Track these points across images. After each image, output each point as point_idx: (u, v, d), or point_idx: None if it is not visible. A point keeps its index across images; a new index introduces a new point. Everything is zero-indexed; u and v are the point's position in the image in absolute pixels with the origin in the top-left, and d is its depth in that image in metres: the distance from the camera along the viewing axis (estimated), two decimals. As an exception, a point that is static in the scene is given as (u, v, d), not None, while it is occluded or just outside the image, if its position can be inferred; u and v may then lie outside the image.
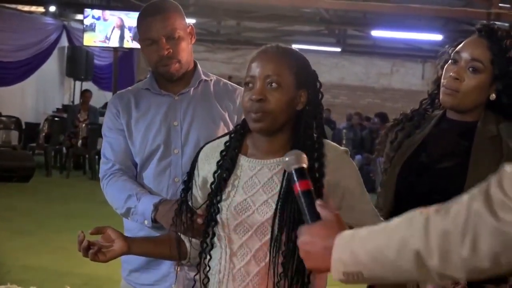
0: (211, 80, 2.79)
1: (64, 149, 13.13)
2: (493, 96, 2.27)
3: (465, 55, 2.25)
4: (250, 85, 2.03)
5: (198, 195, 2.19)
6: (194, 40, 2.73)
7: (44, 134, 13.12)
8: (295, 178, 1.65)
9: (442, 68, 2.34)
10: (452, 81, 2.24)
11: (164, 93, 2.73)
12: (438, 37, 15.09)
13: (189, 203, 2.17)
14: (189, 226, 2.14)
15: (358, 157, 13.59)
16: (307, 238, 1.55)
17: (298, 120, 2.06)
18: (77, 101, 15.07)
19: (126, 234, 2.42)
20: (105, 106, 14.86)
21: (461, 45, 2.30)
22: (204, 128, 2.67)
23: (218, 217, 2.07)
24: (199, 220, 2.13)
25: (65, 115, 14.07)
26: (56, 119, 13.81)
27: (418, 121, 2.41)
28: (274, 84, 1.99)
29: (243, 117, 2.62)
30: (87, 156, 12.83)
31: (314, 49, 19.35)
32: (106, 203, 2.72)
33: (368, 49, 19.63)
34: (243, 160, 2.10)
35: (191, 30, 2.72)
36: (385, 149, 2.45)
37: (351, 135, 14.89)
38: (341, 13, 16.14)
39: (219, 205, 2.07)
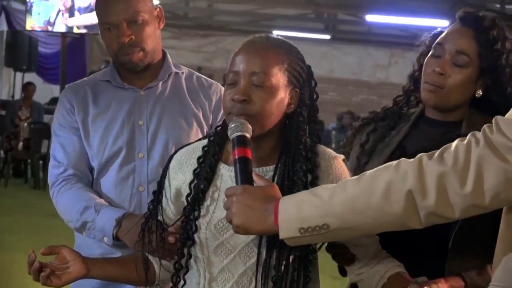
0: (182, 73, 2.79)
1: (1, 152, 13.01)
2: (479, 92, 2.32)
3: (449, 47, 2.29)
4: (233, 82, 2.02)
5: (170, 209, 2.18)
6: (163, 25, 2.72)
7: (-22, 136, 12.97)
8: (234, 145, 1.89)
9: (418, 61, 2.40)
10: (435, 77, 2.28)
11: (128, 86, 2.71)
12: (444, 23, 15.06)
13: (159, 218, 2.16)
14: (158, 245, 2.13)
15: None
16: (246, 197, 1.80)
17: (288, 123, 2.07)
18: (18, 95, 14.97)
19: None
20: (51, 102, 14.85)
21: (442, 35, 2.34)
22: (175, 129, 2.66)
23: (195, 236, 2.06)
24: (171, 239, 2.12)
25: (3, 113, 13.94)
26: (-7, 117, 13.66)
27: (393, 121, 2.45)
28: (260, 83, 1.99)
29: (220, 117, 2.65)
30: (29, 161, 12.74)
31: (299, 36, 19.27)
32: (53, 216, 2.71)
33: (362, 36, 19.68)
34: (223, 169, 2.10)
35: (159, 12, 2.71)
36: (355, 152, 2.47)
37: (342, 137, 14.83)
38: (330, -6, 16.16)
39: (196, 222, 2.06)
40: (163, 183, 2.18)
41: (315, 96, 2.13)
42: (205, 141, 2.16)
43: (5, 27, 16.06)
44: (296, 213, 1.77)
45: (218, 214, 2.05)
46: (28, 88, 13.55)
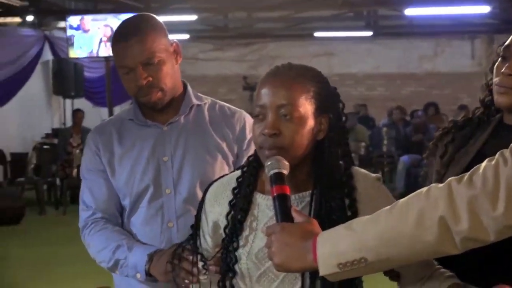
0: (205, 104, 2.78)
1: (57, 181, 13.05)
2: None
3: None
4: (261, 116, 2.00)
5: (207, 243, 2.18)
6: (181, 59, 2.70)
7: (33, 165, 13.00)
8: (272, 183, 1.88)
9: (491, 71, 2.33)
10: (505, 78, 2.22)
11: (151, 123, 2.71)
12: (485, 8, 14.83)
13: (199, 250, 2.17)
14: (193, 273, 2.17)
15: (404, 158, 13.43)
16: (285, 235, 1.79)
17: (320, 149, 2.05)
18: (69, 122, 15.02)
19: None
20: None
21: (510, 39, 2.26)
22: (199, 163, 2.65)
23: (236, 267, 2.05)
24: (212, 268, 2.13)
25: (55, 141, 13.99)
26: (46, 146, 13.75)
27: (471, 130, 2.39)
28: (289, 115, 1.97)
29: (245, 145, 2.66)
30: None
31: (341, 36, 19.23)
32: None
33: (404, 29, 19.42)
34: (260, 198, 2.09)
35: (176, 47, 2.69)
36: (436, 164, 2.42)
37: (393, 133, 14.66)
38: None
39: (236, 253, 2.05)
40: (200, 217, 2.18)
41: (344, 119, 2.09)
42: (238, 172, 2.15)
43: (50, 57, 16.14)
44: (333, 248, 1.75)
45: (257, 243, 2.04)
46: (76, 115, 13.64)
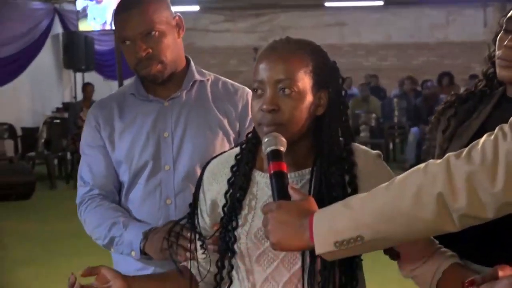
0: (207, 80, 2.75)
1: (68, 155, 13.01)
2: None
3: None
4: (259, 91, 1.97)
5: (205, 222, 2.15)
6: (183, 33, 2.68)
7: (43, 140, 12.96)
8: (269, 160, 1.85)
9: (494, 42, 2.30)
10: (508, 51, 2.19)
11: (152, 98, 2.69)
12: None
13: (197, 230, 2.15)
14: (191, 250, 2.16)
15: (414, 130, 13.38)
16: (281, 214, 1.75)
17: (319, 125, 2.01)
18: (80, 96, 15.02)
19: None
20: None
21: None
22: (200, 139, 2.63)
23: (235, 246, 2.03)
24: (211, 247, 2.12)
25: (66, 115, 13.94)
26: (56, 121, 13.69)
27: (474, 104, 2.37)
28: (287, 90, 1.93)
29: (248, 123, 2.64)
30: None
31: (352, 6, 19.11)
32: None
33: (416, -2, 19.27)
34: (259, 176, 2.06)
35: (178, 20, 2.66)
36: (439, 138, 2.40)
37: (404, 104, 14.57)
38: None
39: (235, 232, 2.03)
40: (198, 196, 2.16)
41: (344, 93, 2.05)
42: (237, 150, 2.13)
43: (60, 30, 16.09)
44: (329, 226, 1.71)
45: (257, 222, 2.00)
46: (86, 89, 13.61)
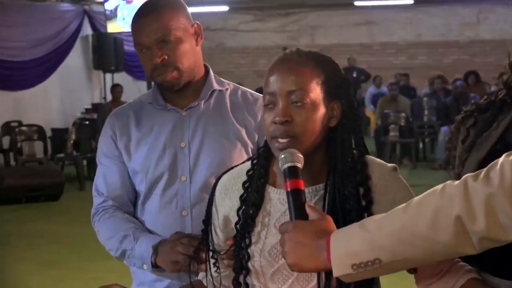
0: (226, 89, 2.69)
1: (97, 156, 12.97)
2: None
3: None
4: (271, 105, 1.93)
5: (219, 237, 2.12)
6: (202, 41, 2.63)
7: (72, 141, 12.96)
8: (286, 177, 1.79)
9: None
10: None
11: (170, 107, 2.64)
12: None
13: (210, 245, 2.12)
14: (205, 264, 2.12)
15: (444, 129, 13.22)
16: (298, 234, 1.70)
17: (333, 137, 1.98)
18: (109, 97, 15.03)
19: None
20: (140, 100, 14.86)
21: None
22: (217, 150, 2.58)
23: (249, 264, 2.00)
24: (226, 262, 2.09)
25: (95, 116, 13.94)
26: (86, 122, 13.70)
27: (493, 114, 2.25)
28: (299, 101, 1.89)
29: None
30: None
31: (381, 5, 18.99)
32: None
33: (446, -4, 19.12)
34: (272, 192, 2.02)
35: (197, 28, 2.61)
36: (458, 149, 2.30)
37: (434, 103, 14.42)
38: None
39: (249, 250, 1.99)
40: (211, 211, 2.12)
41: (356, 105, 2.02)
42: (248, 164, 2.08)
43: (89, 31, 16.17)
44: (346, 248, 1.66)
45: (270, 240, 1.97)
46: (115, 90, 13.62)
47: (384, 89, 16.34)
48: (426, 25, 19.90)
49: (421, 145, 15.02)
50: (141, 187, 2.62)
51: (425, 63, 19.78)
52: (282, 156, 1.82)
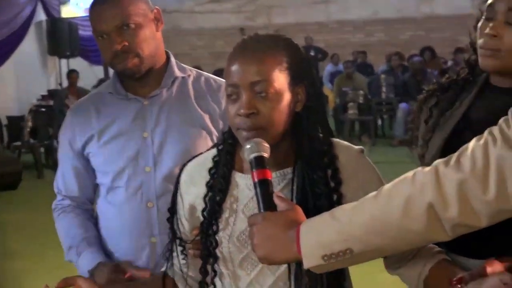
0: (189, 76, 2.65)
1: (55, 143, 12.81)
2: None
3: (500, 7, 2.09)
4: (234, 96, 1.87)
5: (184, 227, 2.08)
6: (162, 26, 2.57)
7: (29, 128, 12.77)
8: (252, 167, 1.77)
9: (475, 29, 2.21)
10: (489, 40, 2.11)
11: (131, 96, 2.59)
12: None
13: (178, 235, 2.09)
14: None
15: (403, 105, 13.34)
16: (267, 226, 1.68)
17: (298, 121, 1.94)
18: (65, 83, 14.88)
19: None
20: (97, 85, 14.67)
21: None
22: (182, 139, 2.53)
23: (217, 251, 1.97)
24: (191, 252, 2.06)
25: (52, 103, 13.77)
26: (42, 109, 13.51)
27: (455, 93, 2.29)
28: (264, 92, 1.84)
29: None
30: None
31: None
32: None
33: (401, -28, 19.19)
34: (239, 178, 1.99)
35: (157, 14, 2.56)
36: (420, 129, 2.33)
37: (391, 79, 14.46)
38: None
39: (216, 237, 1.97)
40: (176, 200, 2.08)
41: (319, 85, 2.00)
42: (214, 151, 2.05)
43: (43, 17, 15.97)
44: (317, 239, 1.65)
45: (239, 226, 1.94)
46: (71, 76, 13.54)
47: (341, 67, 16.38)
48: (382, 2, 19.97)
49: (379, 122, 15.11)
50: (105, 180, 2.58)
51: (382, 40, 19.87)
52: (248, 146, 1.80)
